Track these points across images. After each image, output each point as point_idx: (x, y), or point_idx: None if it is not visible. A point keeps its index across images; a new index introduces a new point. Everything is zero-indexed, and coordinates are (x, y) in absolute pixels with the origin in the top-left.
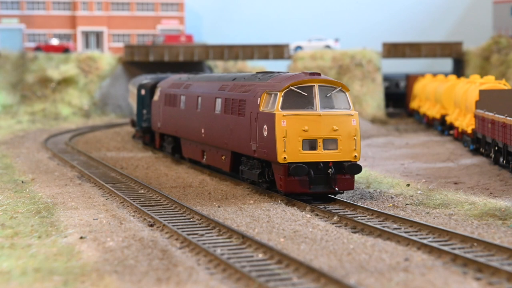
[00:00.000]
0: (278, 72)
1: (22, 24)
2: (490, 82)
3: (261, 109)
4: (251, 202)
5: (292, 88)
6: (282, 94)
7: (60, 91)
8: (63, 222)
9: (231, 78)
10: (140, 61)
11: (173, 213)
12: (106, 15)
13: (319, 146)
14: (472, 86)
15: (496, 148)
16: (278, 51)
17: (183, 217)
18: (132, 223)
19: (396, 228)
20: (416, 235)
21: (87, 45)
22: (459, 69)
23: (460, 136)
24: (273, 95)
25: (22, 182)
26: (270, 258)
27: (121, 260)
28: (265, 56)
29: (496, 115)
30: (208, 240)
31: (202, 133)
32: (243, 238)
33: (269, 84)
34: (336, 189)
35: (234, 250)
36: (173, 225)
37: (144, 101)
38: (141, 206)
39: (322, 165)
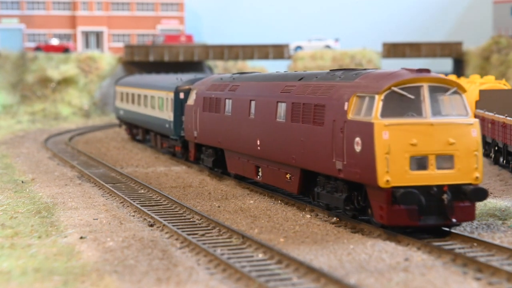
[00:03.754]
0: (363, 69)
1: (22, 24)
2: (490, 82)
3: (350, 116)
4: (251, 202)
5: (395, 89)
6: (382, 97)
7: (60, 91)
8: (63, 222)
9: (296, 77)
10: (140, 61)
11: (173, 213)
12: (106, 15)
13: (431, 165)
14: (472, 86)
15: (496, 148)
16: (278, 51)
17: (183, 217)
18: (132, 223)
19: None
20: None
21: (87, 45)
22: (459, 69)
23: None
24: (367, 98)
25: (22, 182)
26: (270, 258)
27: (121, 260)
28: (265, 56)
29: (496, 115)
30: (208, 240)
31: (257, 145)
32: (243, 238)
33: (359, 84)
34: (454, 220)
35: (234, 250)
36: (173, 225)
37: (183, 106)
38: (141, 206)
39: (435, 189)
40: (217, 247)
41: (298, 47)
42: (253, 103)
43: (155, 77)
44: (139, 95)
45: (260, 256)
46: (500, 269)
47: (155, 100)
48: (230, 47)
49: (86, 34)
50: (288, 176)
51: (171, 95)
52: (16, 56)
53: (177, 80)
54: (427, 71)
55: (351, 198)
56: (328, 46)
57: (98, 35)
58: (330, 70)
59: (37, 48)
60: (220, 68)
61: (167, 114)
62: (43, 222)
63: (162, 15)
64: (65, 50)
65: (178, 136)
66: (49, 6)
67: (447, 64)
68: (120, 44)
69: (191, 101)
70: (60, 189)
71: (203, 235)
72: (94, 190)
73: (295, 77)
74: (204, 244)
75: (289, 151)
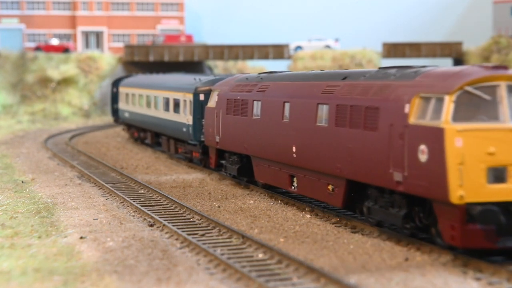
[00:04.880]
0: (421, 66)
1: (22, 24)
2: None
3: (413, 120)
4: (251, 202)
5: (468, 89)
6: (454, 99)
7: (60, 91)
8: (63, 222)
9: (340, 76)
10: (140, 61)
11: (173, 213)
12: (106, 15)
13: (511, 177)
14: None
15: None
16: (278, 51)
17: (183, 217)
18: (132, 223)
19: None
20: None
21: (87, 45)
22: None
23: None
24: (433, 100)
25: (22, 182)
26: (270, 258)
27: (121, 260)
28: (265, 56)
29: None
30: (208, 240)
31: (292, 152)
32: (243, 238)
33: (421, 83)
34: None
35: (234, 250)
36: (173, 225)
37: (203, 108)
38: (141, 206)
39: None
40: (217, 247)
41: (298, 47)
42: (287, 105)
43: (166, 77)
44: (148, 97)
45: (260, 256)
46: (500, 269)
47: (169, 102)
48: (230, 47)
49: (86, 34)
50: (330, 187)
51: (189, 96)
52: (16, 56)
53: (195, 81)
54: (505, 68)
55: (411, 214)
56: (328, 46)
57: (98, 35)
58: (380, 68)
59: (37, 48)
60: (220, 68)
61: (185, 117)
62: (43, 222)
63: (162, 15)
64: (65, 50)
65: (197, 141)
66: (49, 6)
67: (447, 64)
68: (120, 44)
69: (212, 103)
70: (60, 189)
71: (203, 235)
72: (94, 190)
73: (337, 76)
74: (204, 244)
75: (332, 159)
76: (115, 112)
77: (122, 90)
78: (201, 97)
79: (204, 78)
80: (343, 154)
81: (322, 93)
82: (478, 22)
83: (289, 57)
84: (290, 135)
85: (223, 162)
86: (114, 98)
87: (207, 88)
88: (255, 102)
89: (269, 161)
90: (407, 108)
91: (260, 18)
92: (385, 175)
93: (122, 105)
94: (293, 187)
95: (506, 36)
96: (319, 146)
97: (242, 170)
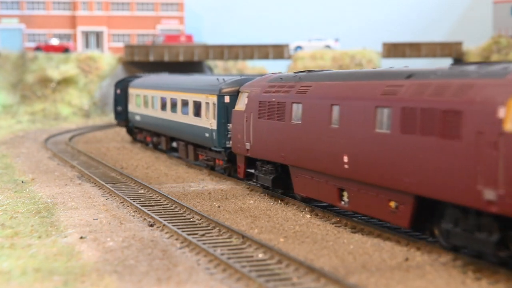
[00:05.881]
0: (509, 62)
1: (22, 24)
2: None
3: (510, 127)
4: (251, 202)
5: None
6: None
7: (60, 91)
8: (63, 222)
9: (402, 74)
10: (140, 61)
11: (173, 213)
12: (106, 15)
13: None
14: None
15: None
16: (278, 51)
17: (183, 217)
18: (132, 223)
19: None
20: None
21: (87, 45)
22: None
23: None
24: None
25: (22, 182)
26: (270, 258)
27: (121, 260)
28: (265, 56)
29: None
30: (208, 240)
31: (343, 163)
32: (243, 238)
33: None
34: None
35: (234, 250)
36: (173, 225)
37: (229, 112)
38: (141, 206)
39: None
40: (217, 247)
41: (298, 47)
42: (335, 108)
43: (184, 77)
44: (163, 98)
45: (260, 256)
46: (500, 269)
47: (189, 104)
48: (230, 47)
49: (86, 34)
50: (392, 204)
51: (213, 98)
52: (16, 56)
53: (218, 81)
54: None
55: (505, 240)
56: (328, 46)
57: (98, 35)
58: (452, 64)
59: (37, 48)
60: (220, 68)
61: (208, 122)
62: (43, 222)
63: (162, 15)
64: (65, 50)
65: (222, 148)
66: (49, 6)
67: (447, 64)
68: (120, 44)
69: (241, 106)
70: (60, 189)
71: (203, 235)
72: (94, 190)
73: (399, 75)
74: (204, 244)
75: (397, 171)
76: (119, 114)
77: (132, 91)
78: (226, 99)
79: (228, 78)
80: (411, 166)
81: (382, 94)
82: (478, 22)
83: (289, 57)
84: (341, 143)
85: (254, 171)
86: (117, 100)
87: (232, 89)
88: (294, 105)
89: (312, 172)
90: (501, 112)
91: (260, 18)
92: (471, 193)
93: (132, 107)
94: (342, 202)
95: (506, 36)
96: (379, 156)
97: (277, 181)
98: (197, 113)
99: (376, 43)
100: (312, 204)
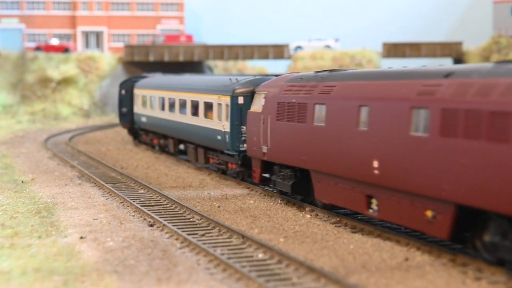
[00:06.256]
0: None
1: (22, 24)
2: None
3: None
4: (251, 202)
5: None
6: None
7: (60, 91)
8: (63, 222)
9: (440, 73)
10: (140, 61)
11: (173, 213)
12: (106, 15)
13: None
14: None
15: None
16: (278, 51)
17: (183, 217)
18: (132, 223)
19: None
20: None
21: (87, 45)
22: None
23: None
24: None
25: (22, 182)
26: (270, 258)
27: (121, 260)
28: (265, 56)
29: None
30: (208, 240)
31: (373, 168)
32: (243, 238)
33: None
34: None
35: (234, 250)
36: (173, 225)
37: (243, 113)
38: (141, 206)
39: None
40: (217, 247)
41: (298, 47)
42: (364, 109)
43: (193, 77)
44: (172, 99)
45: (260, 256)
46: (500, 269)
47: (199, 105)
48: (230, 47)
49: (86, 34)
50: (429, 213)
51: (225, 99)
52: (16, 56)
53: (231, 81)
54: None
55: None
56: (328, 46)
57: (98, 35)
58: (495, 62)
59: (37, 48)
60: (220, 68)
61: (220, 124)
62: (43, 222)
63: (162, 15)
64: (65, 50)
65: (236, 151)
66: (49, 6)
67: (447, 64)
68: (120, 44)
69: (257, 107)
70: (60, 189)
71: (203, 235)
72: (94, 190)
73: (435, 74)
74: (204, 244)
75: (435, 178)
76: (124, 116)
77: (138, 92)
78: (240, 100)
79: (241, 78)
80: (452, 172)
81: (418, 94)
82: (478, 22)
83: (289, 57)
84: (370, 147)
85: (271, 176)
86: (122, 101)
87: (246, 89)
88: (317, 106)
89: (336, 177)
90: None
91: (260, 18)
92: None
93: (137, 108)
94: (371, 211)
95: (506, 36)
96: (415, 161)
97: (296, 186)
98: (209, 114)
99: (376, 43)
100: (335, 211)
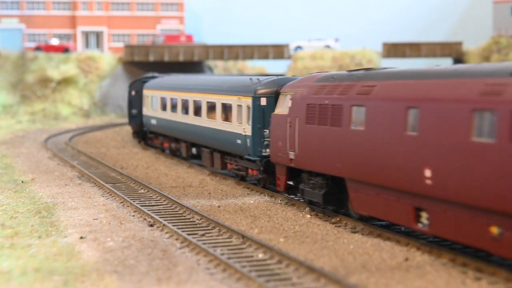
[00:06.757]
0: None
1: (22, 24)
2: None
3: None
4: (251, 202)
5: None
6: None
7: (60, 91)
8: (63, 222)
9: (505, 71)
10: (140, 61)
11: (173, 213)
12: (106, 15)
13: None
14: None
15: None
16: (278, 51)
17: (183, 217)
18: (132, 223)
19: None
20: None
21: (87, 45)
22: None
23: None
24: None
25: (22, 182)
26: (270, 258)
27: (121, 260)
28: (265, 56)
29: None
30: (208, 240)
31: (424, 178)
32: (243, 238)
33: None
34: None
35: (234, 250)
36: (173, 225)
37: (266, 116)
38: (141, 206)
39: None
40: (217, 247)
41: (298, 47)
42: (413, 112)
43: (207, 77)
44: (185, 101)
45: (260, 256)
46: (500, 269)
47: (216, 107)
48: (230, 47)
49: (86, 34)
50: (495, 230)
51: (246, 101)
52: (16, 56)
53: (252, 81)
54: None
55: None
56: (328, 46)
57: (98, 35)
58: None
59: (37, 48)
60: (220, 68)
61: (240, 127)
62: (43, 222)
63: (162, 15)
64: (65, 50)
65: (258, 156)
66: (49, 6)
67: (447, 64)
68: (120, 44)
69: (282, 109)
70: (60, 189)
71: (203, 235)
72: (94, 190)
73: (500, 71)
74: (204, 244)
75: (504, 190)
76: (133, 118)
77: (148, 93)
78: (263, 101)
79: (263, 78)
80: None
81: (481, 95)
82: (478, 22)
83: (289, 57)
84: (421, 154)
85: (300, 185)
86: (132, 102)
87: (269, 90)
88: (354, 108)
89: (378, 187)
90: None
91: (260, 18)
92: None
93: (147, 110)
94: (420, 225)
95: (506, 36)
96: (477, 170)
97: (330, 196)
98: (227, 117)
99: (376, 43)
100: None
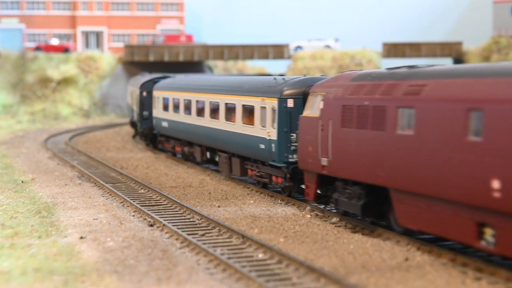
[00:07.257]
0: None
1: (22, 24)
2: None
3: None
4: (251, 202)
5: None
6: None
7: (60, 91)
8: (63, 222)
9: None
10: (140, 61)
11: (173, 213)
12: (106, 15)
13: None
14: None
15: None
16: (278, 51)
17: (183, 217)
18: (132, 223)
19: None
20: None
21: (87, 45)
22: None
23: None
24: None
25: (22, 182)
26: (270, 258)
27: (121, 260)
28: (265, 56)
29: None
30: (208, 240)
31: (490, 190)
32: (243, 238)
33: None
34: None
35: (234, 250)
36: (173, 225)
37: (293, 118)
38: (141, 206)
39: None
40: (217, 247)
41: (298, 47)
42: (475, 114)
43: (224, 77)
44: (200, 102)
45: (260, 256)
46: (500, 269)
47: (236, 109)
48: (230, 47)
49: (86, 34)
50: None
51: (271, 102)
52: (16, 56)
53: (277, 81)
54: None
55: None
56: (328, 46)
57: (98, 35)
58: None
59: (37, 48)
60: (220, 68)
61: (264, 131)
62: (43, 222)
63: (162, 15)
64: (65, 50)
65: (284, 163)
66: (49, 6)
67: (447, 64)
68: (120, 44)
69: (313, 111)
70: (60, 189)
71: (203, 235)
72: (94, 190)
73: None
74: (204, 244)
75: None
76: (145, 120)
77: (159, 94)
78: (290, 103)
79: (289, 78)
80: None
81: None
82: (478, 22)
83: (289, 57)
84: (487, 162)
85: (334, 194)
86: (143, 103)
87: (297, 90)
88: (400, 110)
89: (430, 198)
90: None
91: (260, 18)
92: None
93: (157, 112)
94: (483, 242)
95: (506, 36)
96: None
97: (368, 207)
98: (249, 119)
99: (376, 43)
100: (420, 236)
